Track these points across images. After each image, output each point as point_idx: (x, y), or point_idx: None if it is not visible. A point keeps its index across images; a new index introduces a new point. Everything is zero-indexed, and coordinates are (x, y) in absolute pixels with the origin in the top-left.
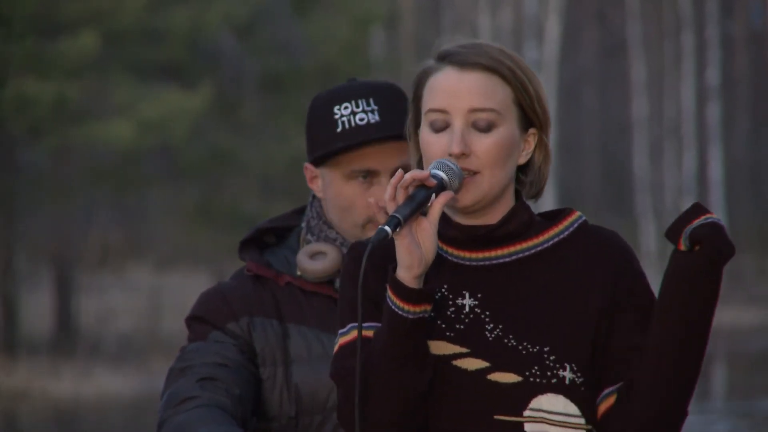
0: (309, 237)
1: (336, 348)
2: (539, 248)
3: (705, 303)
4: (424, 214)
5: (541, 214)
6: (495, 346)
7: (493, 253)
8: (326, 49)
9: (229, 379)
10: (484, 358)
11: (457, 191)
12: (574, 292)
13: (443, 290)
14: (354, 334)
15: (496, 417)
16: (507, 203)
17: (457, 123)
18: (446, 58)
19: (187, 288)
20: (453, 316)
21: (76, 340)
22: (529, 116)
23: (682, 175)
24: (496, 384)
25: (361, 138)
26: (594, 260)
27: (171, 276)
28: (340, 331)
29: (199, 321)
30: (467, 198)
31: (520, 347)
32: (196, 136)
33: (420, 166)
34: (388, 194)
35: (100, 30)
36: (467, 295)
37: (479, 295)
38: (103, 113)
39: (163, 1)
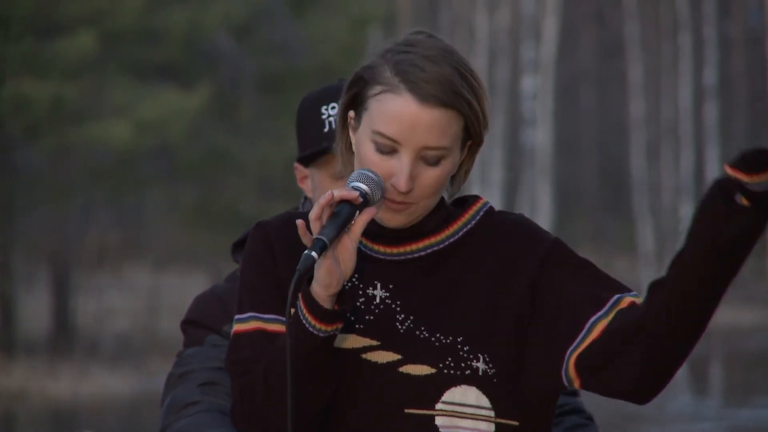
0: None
1: (232, 334)
2: (450, 240)
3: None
4: (347, 231)
5: (453, 202)
6: (406, 337)
7: (406, 248)
8: (324, 50)
9: (229, 383)
10: (394, 351)
11: (378, 202)
12: (487, 281)
13: (354, 280)
14: (253, 324)
15: (407, 410)
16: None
17: (407, 157)
18: (406, 83)
19: (184, 288)
20: (363, 307)
21: (73, 340)
22: (472, 134)
23: (679, 175)
24: (408, 376)
25: None
26: (504, 246)
27: (169, 276)
28: (237, 316)
29: (194, 325)
30: (399, 221)
31: (433, 338)
32: (194, 136)
33: (348, 161)
34: (314, 214)
35: (98, 30)
36: (378, 285)
37: (390, 287)
38: (101, 113)
39: (161, 2)
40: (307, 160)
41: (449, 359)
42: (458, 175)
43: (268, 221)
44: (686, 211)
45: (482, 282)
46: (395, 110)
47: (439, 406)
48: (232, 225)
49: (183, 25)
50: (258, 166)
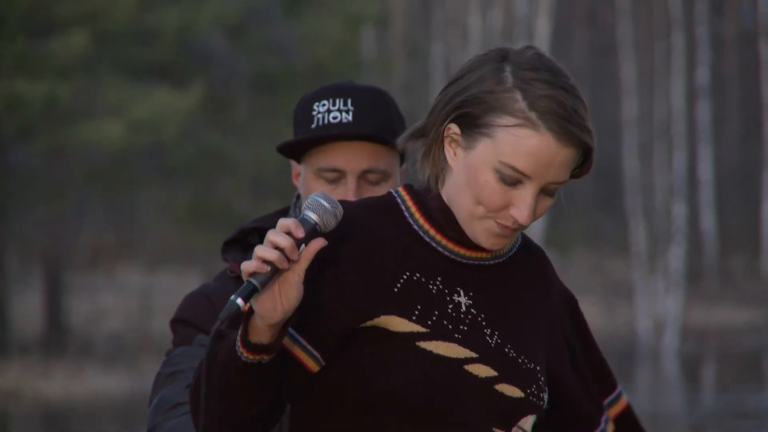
0: None
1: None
2: (510, 253)
3: None
4: (290, 266)
5: None
6: (498, 354)
7: (481, 255)
8: (317, 49)
9: None
10: (492, 366)
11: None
12: (534, 309)
13: (438, 283)
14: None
15: (494, 429)
16: None
17: (533, 191)
18: (546, 122)
19: (178, 288)
20: (454, 314)
21: (67, 340)
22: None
23: (672, 175)
24: (503, 396)
25: (328, 134)
26: (541, 274)
27: (162, 276)
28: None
29: (183, 324)
30: (503, 244)
31: (520, 360)
32: (188, 136)
33: (438, 160)
34: (249, 267)
35: (91, 30)
36: (461, 292)
37: (471, 294)
38: (94, 113)
39: (154, 1)
40: (295, 155)
41: (534, 386)
42: None
43: (356, 220)
44: (679, 211)
45: (536, 309)
46: (533, 148)
47: (514, 430)
48: (226, 225)
49: (176, 24)
50: (251, 165)
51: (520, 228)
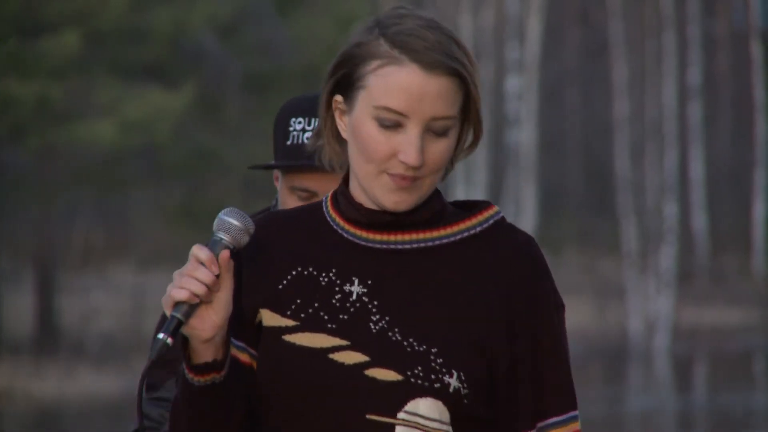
0: None
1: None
2: (445, 240)
3: None
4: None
5: (455, 203)
6: (378, 339)
7: (393, 237)
8: (309, 50)
9: None
10: (363, 352)
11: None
12: (474, 295)
13: (331, 274)
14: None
15: (368, 416)
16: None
17: (415, 130)
18: (408, 53)
19: None
20: (338, 305)
21: (58, 340)
22: (470, 108)
23: (663, 174)
24: (374, 380)
25: (298, 160)
26: (500, 265)
27: (153, 276)
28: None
29: (157, 365)
30: (407, 201)
31: (405, 343)
32: (179, 136)
33: (336, 151)
34: (174, 298)
35: (83, 30)
36: (356, 281)
37: (369, 282)
38: (86, 113)
39: (146, 2)
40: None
41: (419, 368)
42: (453, 158)
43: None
44: (670, 211)
45: (471, 294)
46: (400, 82)
47: (400, 415)
48: None
49: (168, 24)
50: (243, 165)
51: (416, 175)
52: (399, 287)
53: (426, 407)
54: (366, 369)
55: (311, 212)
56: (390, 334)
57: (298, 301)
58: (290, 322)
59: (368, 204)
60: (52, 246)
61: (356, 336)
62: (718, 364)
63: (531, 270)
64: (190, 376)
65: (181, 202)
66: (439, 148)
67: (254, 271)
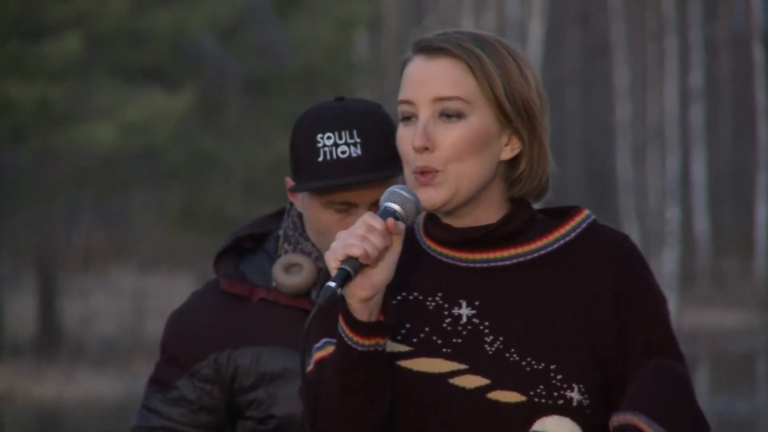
0: (286, 246)
1: (314, 361)
2: (542, 252)
3: None
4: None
5: (544, 211)
6: (496, 361)
7: (491, 255)
8: (309, 52)
9: None
10: (483, 375)
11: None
12: (580, 303)
13: (437, 299)
14: (329, 349)
15: None
16: (496, 201)
17: (423, 114)
18: (416, 47)
19: (170, 290)
20: (449, 328)
21: (59, 342)
22: (505, 109)
23: (665, 177)
24: (497, 403)
25: (341, 179)
26: (600, 267)
27: (154, 278)
28: (315, 345)
29: (167, 359)
30: (433, 198)
31: (524, 363)
32: (179, 138)
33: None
34: (330, 256)
35: (83, 32)
36: (464, 304)
37: (477, 303)
38: (86, 116)
39: (146, 4)
40: (300, 186)
41: (540, 387)
42: (516, 165)
43: None
44: (672, 214)
45: (578, 303)
46: (408, 73)
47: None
48: (218, 227)
49: (168, 27)
50: (244, 168)
51: (431, 165)
52: (506, 306)
53: (553, 425)
54: (488, 392)
55: (409, 236)
56: (507, 355)
57: (408, 326)
58: (404, 348)
59: (456, 223)
60: (53, 248)
61: (474, 359)
62: (719, 366)
63: (630, 267)
64: (353, 339)
65: (181, 204)
66: (454, 132)
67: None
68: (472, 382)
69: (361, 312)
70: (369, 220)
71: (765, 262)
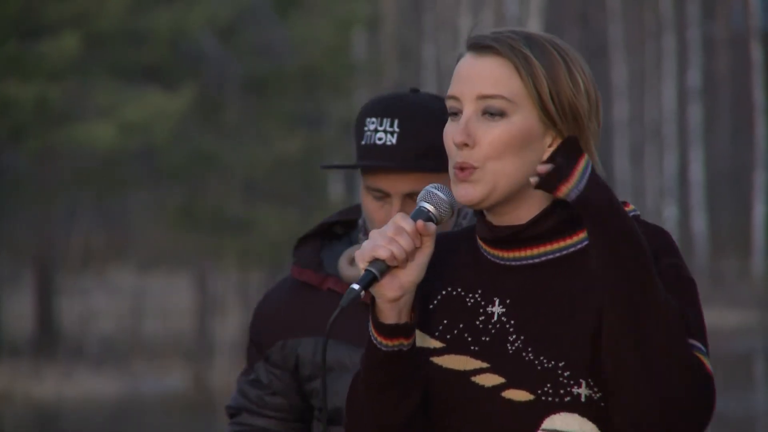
0: (361, 236)
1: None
2: (572, 249)
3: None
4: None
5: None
6: (513, 360)
7: (522, 253)
8: (308, 52)
9: (270, 427)
10: (500, 374)
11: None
12: (596, 294)
13: (477, 296)
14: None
15: None
16: (538, 201)
17: (466, 111)
18: (468, 43)
19: (169, 290)
20: (481, 326)
21: (58, 342)
22: (549, 111)
23: (663, 176)
24: (509, 402)
25: (371, 161)
26: None
27: (153, 278)
28: None
29: (251, 342)
30: (469, 194)
31: (537, 362)
32: (179, 138)
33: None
34: (373, 254)
35: (82, 32)
36: (497, 301)
37: (508, 301)
38: (86, 115)
39: (145, 3)
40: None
41: (548, 385)
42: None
43: (445, 234)
44: (670, 213)
45: (592, 297)
46: (457, 69)
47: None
48: (217, 227)
49: (167, 26)
50: (243, 167)
51: (470, 162)
52: (533, 304)
53: (562, 422)
54: (503, 391)
55: (468, 232)
56: (524, 354)
57: (445, 321)
58: (437, 344)
59: (496, 221)
60: (52, 248)
61: (496, 358)
62: (717, 365)
63: (656, 248)
64: (377, 339)
65: (180, 203)
66: (496, 130)
67: (426, 281)
68: (490, 380)
69: (390, 311)
70: (399, 221)
71: (763, 262)
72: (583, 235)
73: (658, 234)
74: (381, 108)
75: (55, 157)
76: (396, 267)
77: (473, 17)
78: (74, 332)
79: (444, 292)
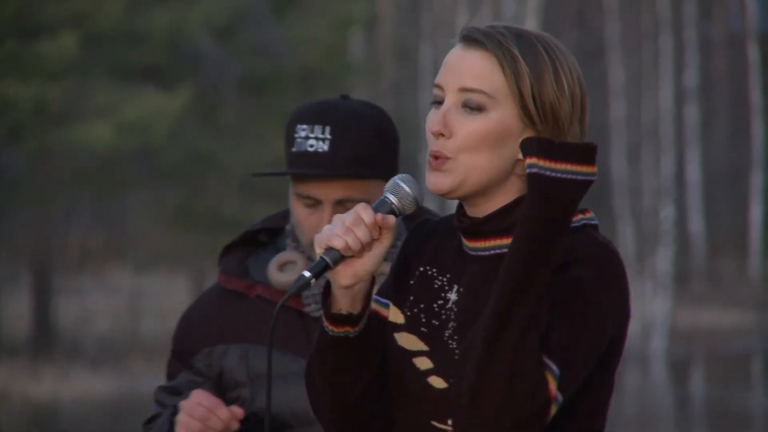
0: (289, 242)
1: None
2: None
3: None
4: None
5: None
6: (443, 347)
7: (482, 244)
8: (306, 52)
9: None
10: (431, 359)
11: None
12: None
13: (444, 279)
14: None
15: (431, 422)
16: (510, 197)
17: (447, 101)
18: (461, 34)
19: (167, 290)
20: (436, 310)
21: (55, 342)
22: (529, 110)
23: (659, 177)
24: (431, 388)
25: (303, 168)
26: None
27: (151, 278)
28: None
29: (173, 354)
30: (440, 183)
31: (457, 350)
32: (176, 138)
33: None
34: (328, 242)
35: (80, 32)
36: (455, 288)
37: (461, 290)
38: (84, 115)
39: (143, 3)
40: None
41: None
42: None
43: (431, 220)
44: (667, 213)
45: None
46: (446, 59)
47: (450, 421)
48: (215, 227)
49: (165, 26)
50: (240, 167)
51: (444, 151)
52: (477, 294)
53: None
54: (428, 376)
55: (450, 218)
56: (450, 342)
57: (411, 298)
58: (400, 320)
59: (469, 212)
60: (50, 248)
61: (434, 342)
62: (714, 366)
63: (574, 258)
64: (326, 324)
65: (178, 203)
66: (473, 124)
67: (399, 267)
68: (424, 364)
69: (343, 298)
70: (360, 211)
71: (760, 262)
72: None
73: (591, 249)
74: (312, 115)
75: (53, 157)
76: (351, 256)
77: (471, 17)
78: (72, 332)
79: (422, 269)
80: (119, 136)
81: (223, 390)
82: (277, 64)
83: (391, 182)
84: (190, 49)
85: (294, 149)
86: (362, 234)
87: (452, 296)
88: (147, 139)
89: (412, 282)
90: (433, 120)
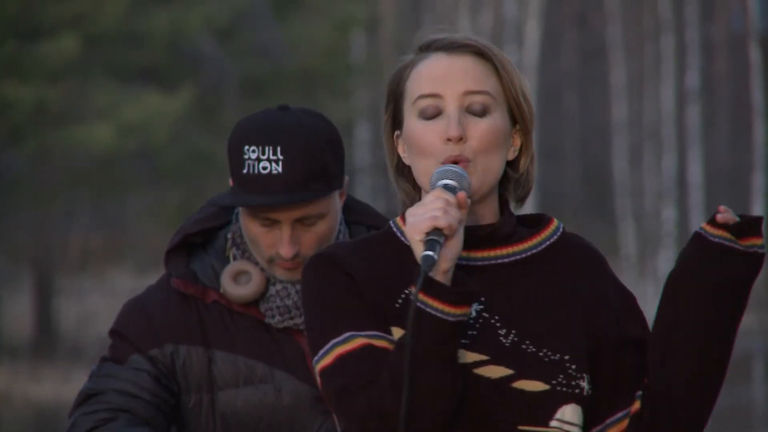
0: (234, 251)
1: (333, 359)
2: (533, 251)
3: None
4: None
5: (521, 220)
6: (514, 352)
7: (492, 253)
8: (307, 53)
9: (140, 411)
10: (506, 365)
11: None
12: (575, 300)
13: None
14: (358, 342)
15: (520, 427)
16: (492, 204)
17: (452, 107)
18: (431, 46)
19: None
20: (470, 321)
21: (56, 343)
22: (514, 112)
23: (661, 178)
24: (522, 392)
25: (259, 193)
26: (584, 266)
27: (151, 279)
28: (334, 340)
29: (121, 338)
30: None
31: (541, 354)
32: (177, 139)
33: (398, 168)
34: (416, 229)
35: (81, 33)
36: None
37: (482, 299)
38: (84, 116)
39: (143, 4)
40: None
41: (561, 376)
42: (517, 166)
43: (331, 252)
44: (668, 215)
45: (575, 299)
46: (428, 68)
47: (553, 423)
48: None
49: (165, 27)
50: None
51: (464, 155)
52: (511, 300)
53: (570, 413)
54: (512, 382)
55: (386, 241)
56: (524, 346)
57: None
58: None
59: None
60: (50, 249)
61: (493, 350)
62: None
63: (605, 267)
64: (444, 310)
65: (178, 204)
66: (482, 126)
67: (373, 284)
68: (495, 372)
69: (446, 282)
70: (443, 194)
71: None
72: (536, 240)
73: (595, 254)
74: (260, 135)
75: (53, 158)
76: (447, 238)
77: (472, 18)
78: (72, 333)
79: (405, 294)
80: (119, 137)
81: (178, 391)
82: (278, 65)
83: (440, 171)
84: (190, 50)
85: (245, 171)
86: (456, 213)
87: (473, 306)
88: (147, 140)
89: (399, 304)
90: (437, 129)
